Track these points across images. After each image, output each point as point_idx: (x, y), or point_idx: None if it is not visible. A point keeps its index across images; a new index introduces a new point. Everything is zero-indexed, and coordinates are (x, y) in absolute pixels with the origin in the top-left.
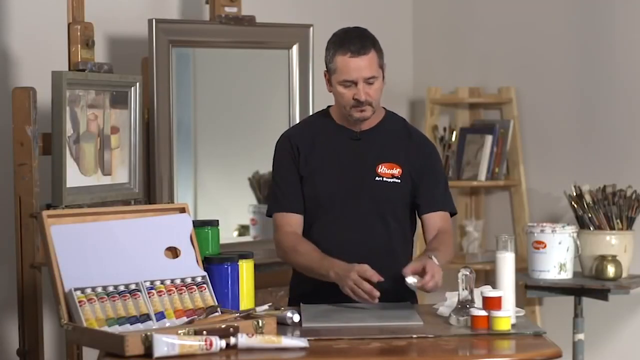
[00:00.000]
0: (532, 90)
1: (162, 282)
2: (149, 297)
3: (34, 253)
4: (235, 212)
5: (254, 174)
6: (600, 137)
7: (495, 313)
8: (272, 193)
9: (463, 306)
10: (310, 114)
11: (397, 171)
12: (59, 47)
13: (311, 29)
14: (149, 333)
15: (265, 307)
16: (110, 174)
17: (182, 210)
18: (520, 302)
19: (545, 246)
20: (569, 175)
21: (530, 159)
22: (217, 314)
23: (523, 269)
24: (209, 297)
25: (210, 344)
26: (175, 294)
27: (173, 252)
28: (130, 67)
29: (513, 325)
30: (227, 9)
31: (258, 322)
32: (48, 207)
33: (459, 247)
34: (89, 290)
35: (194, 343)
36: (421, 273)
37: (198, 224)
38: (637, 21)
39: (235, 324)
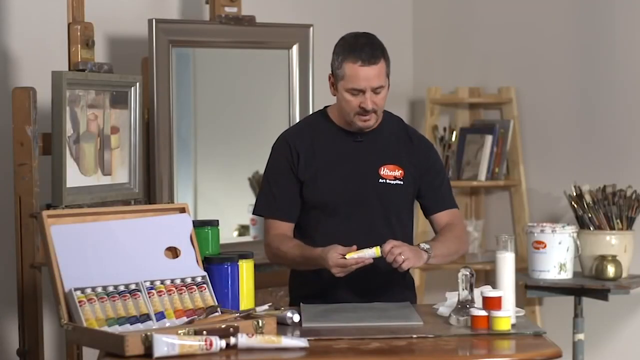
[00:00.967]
0: (532, 90)
1: (162, 282)
2: (149, 297)
3: (34, 253)
4: (235, 212)
5: (254, 174)
6: (600, 137)
7: (495, 313)
8: (262, 192)
9: (463, 306)
10: (310, 112)
11: (399, 172)
12: (59, 47)
13: (311, 29)
14: (149, 333)
15: (265, 307)
16: (110, 174)
17: (182, 210)
18: (520, 302)
19: (545, 246)
20: (569, 175)
21: (530, 159)
22: (217, 314)
23: (523, 269)
24: (209, 297)
25: (210, 344)
26: (175, 294)
27: (173, 252)
28: (130, 67)
29: (513, 325)
30: (227, 9)
31: (258, 322)
32: (48, 207)
33: None
34: (89, 290)
35: (194, 343)
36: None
37: (198, 224)
38: (637, 21)
39: (235, 324)
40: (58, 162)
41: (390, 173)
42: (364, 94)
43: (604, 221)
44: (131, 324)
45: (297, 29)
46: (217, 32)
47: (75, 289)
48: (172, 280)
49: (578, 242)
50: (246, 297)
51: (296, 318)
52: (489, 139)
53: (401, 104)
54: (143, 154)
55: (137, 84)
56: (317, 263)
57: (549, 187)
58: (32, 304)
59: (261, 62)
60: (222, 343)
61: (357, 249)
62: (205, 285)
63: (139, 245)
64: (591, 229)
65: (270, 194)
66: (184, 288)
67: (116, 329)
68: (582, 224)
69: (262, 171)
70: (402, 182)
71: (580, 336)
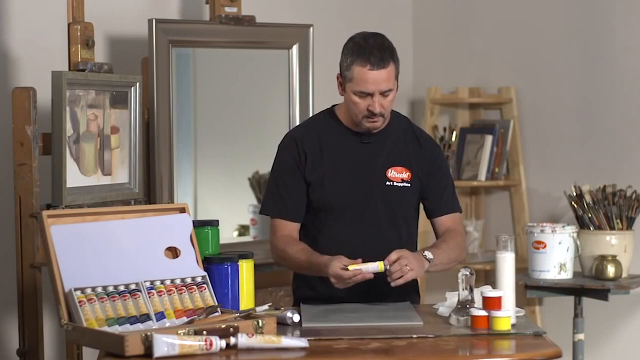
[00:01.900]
0: (532, 90)
1: (162, 282)
2: (149, 297)
3: (34, 253)
4: (235, 212)
5: (254, 174)
6: (600, 137)
7: (495, 313)
8: (269, 192)
9: (463, 306)
10: (311, 113)
11: (406, 175)
12: (59, 47)
13: (311, 29)
14: (149, 333)
15: (265, 307)
16: (110, 174)
17: (182, 210)
18: (520, 302)
19: (545, 246)
20: (569, 175)
21: (530, 159)
22: (217, 314)
23: (523, 269)
24: (209, 297)
25: (210, 344)
26: (175, 294)
27: (173, 252)
28: (130, 67)
29: (513, 325)
30: (227, 9)
31: (258, 322)
32: (48, 207)
33: None
34: (89, 290)
35: (194, 343)
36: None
37: (198, 224)
38: (637, 21)
39: (235, 324)
40: (58, 162)
41: (397, 175)
42: (372, 97)
43: (604, 221)
44: (131, 324)
45: (297, 29)
46: (217, 32)
47: (75, 289)
48: (172, 280)
49: (578, 242)
50: (246, 297)
51: (296, 318)
52: (489, 139)
53: (401, 104)
54: (143, 154)
55: (137, 84)
56: (321, 270)
57: (549, 187)
58: (32, 304)
59: (261, 62)
60: (222, 343)
61: (363, 261)
62: (205, 285)
63: (139, 245)
64: (591, 229)
65: (277, 194)
66: (184, 288)
67: (116, 329)
68: (582, 224)
69: (262, 171)
70: (409, 185)
71: (580, 336)
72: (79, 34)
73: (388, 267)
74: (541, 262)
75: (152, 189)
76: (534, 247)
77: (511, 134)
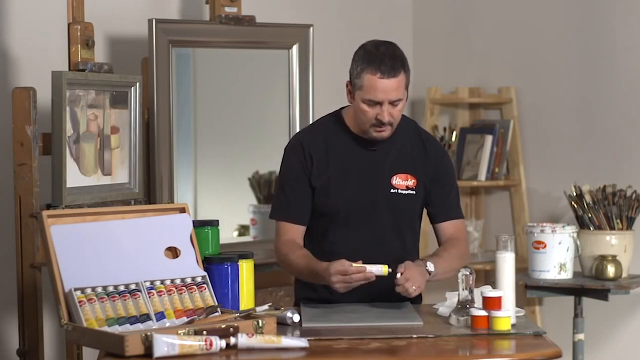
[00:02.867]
0: (532, 90)
1: (162, 282)
2: (149, 297)
3: (34, 253)
4: (235, 212)
5: (254, 174)
6: (600, 137)
7: (495, 313)
8: (277, 197)
9: (463, 306)
10: (311, 113)
11: (411, 182)
12: (59, 47)
13: (311, 29)
14: (149, 333)
15: (265, 307)
16: (110, 174)
17: (182, 210)
18: (520, 302)
19: (545, 246)
20: (569, 175)
21: (530, 159)
22: (217, 314)
23: (523, 269)
24: (209, 297)
25: (210, 344)
26: (175, 294)
27: (173, 252)
28: (130, 67)
29: (513, 325)
30: (227, 9)
31: (258, 322)
32: (48, 207)
33: None
34: (89, 290)
35: (194, 343)
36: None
37: (198, 224)
38: (637, 21)
39: (235, 324)
40: (58, 162)
41: (402, 183)
42: (381, 106)
43: (604, 221)
44: (131, 324)
45: (297, 29)
46: (217, 32)
47: (75, 289)
48: (172, 280)
49: (578, 242)
50: (246, 297)
51: (296, 318)
52: (489, 139)
53: None
54: (143, 154)
55: (137, 84)
56: (321, 276)
57: (549, 187)
58: (32, 304)
59: (261, 62)
60: (222, 343)
61: (365, 265)
62: (205, 285)
63: (139, 245)
64: (591, 229)
65: (283, 197)
66: (184, 288)
67: (116, 329)
68: (582, 224)
69: (262, 171)
70: (414, 192)
71: (580, 336)
72: (79, 34)
73: (398, 275)
74: (541, 262)
75: (152, 189)
76: (534, 247)
77: (511, 134)
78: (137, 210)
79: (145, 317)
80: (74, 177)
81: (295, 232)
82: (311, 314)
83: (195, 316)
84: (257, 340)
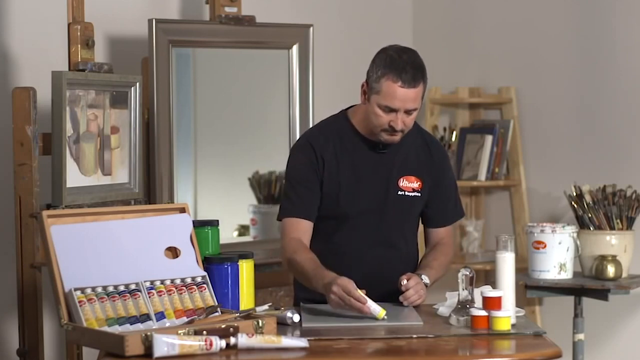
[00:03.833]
0: (532, 90)
1: (162, 282)
2: (149, 297)
3: (34, 253)
4: (235, 212)
5: (254, 174)
6: (600, 137)
7: (495, 313)
8: (285, 197)
9: (463, 306)
10: (311, 113)
11: (417, 184)
12: (59, 47)
13: (311, 29)
14: (149, 333)
15: (265, 307)
16: (110, 174)
17: (182, 210)
18: (520, 302)
19: (545, 246)
20: (569, 175)
21: (530, 159)
22: (217, 314)
23: (523, 269)
24: (209, 297)
25: (210, 344)
26: (175, 294)
27: (173, 252)
28: (130, 67)
29: (513, 325)
30: (227, 9)
31: (258, 322)
32: (48, 207)
33: (459, 247)
34: (89, 290)
35: (194, 343)
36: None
37: (198, 224)
38: (637, 21)
39: (235, 324)
40: (58, 162)
41: (408, 185)
42: (396, 114)
43: (604, 221)
44: (131, 324)
45: (297, 29)
46: (217, 32)
47: (75, 289)
48: (172, 280)
49: (578, 242)
50: (246, 297)
51: (296, 318)
52: (489, 139)
53: None
54: (143, 154)
55: (137, 84)
56: (325, 283)
57: (549, 187)
58: (32, 304)
59: (261, 62)
60: (222, 343)
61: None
62: (205, 285)
63: (139, 245)
64: (591, 229)
65: (293, 196)
66: (184, 288)
67: (116, 329)
68: (582, 224)
69: (262, 171)
70: (419, 194)
71: (580, 336)
72: (79, 34)
73: (404, 282)
74: (541, 262)
75: (152, 189)
76: (534, 247)
77: (511, 134)
78: (137, 210)
79: (145, 317)
80: (74, 177)
81: (302, 229)
82: (311, 314)
83: (195, 316)
84: (257, 340)
